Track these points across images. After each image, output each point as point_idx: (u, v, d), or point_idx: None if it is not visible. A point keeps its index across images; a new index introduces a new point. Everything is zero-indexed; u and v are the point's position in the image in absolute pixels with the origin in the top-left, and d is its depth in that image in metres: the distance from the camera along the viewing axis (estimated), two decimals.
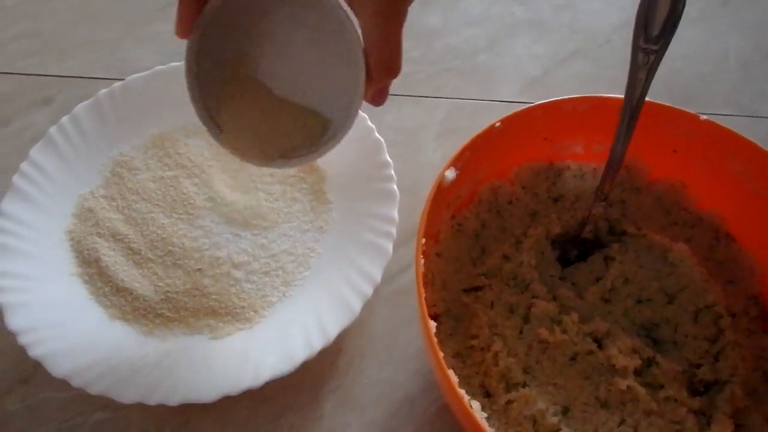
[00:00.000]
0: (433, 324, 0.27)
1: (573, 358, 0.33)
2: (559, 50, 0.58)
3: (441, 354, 0.25)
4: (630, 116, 0.33)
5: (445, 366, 0.25)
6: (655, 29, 0.31)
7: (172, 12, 0.67)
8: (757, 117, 0.53)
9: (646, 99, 0.35)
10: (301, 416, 0.37)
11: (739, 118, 0.53)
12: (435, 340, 0.26)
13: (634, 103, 0.33)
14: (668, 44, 0.31)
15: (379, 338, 0.40)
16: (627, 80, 0.32)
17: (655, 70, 0.32)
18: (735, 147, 0.34)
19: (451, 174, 0.32)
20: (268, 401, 0.37)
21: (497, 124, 0.34)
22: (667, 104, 0.35)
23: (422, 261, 0.28)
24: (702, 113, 0.35)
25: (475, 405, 0.26)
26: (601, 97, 0.36)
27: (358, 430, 0.36)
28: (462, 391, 0.25)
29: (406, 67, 0.55)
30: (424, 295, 0.27)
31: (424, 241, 0.29)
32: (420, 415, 0.37)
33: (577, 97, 0.36)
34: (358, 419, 0.37)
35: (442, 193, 0.32)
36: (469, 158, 0.34)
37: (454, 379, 0.25)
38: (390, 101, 0.53)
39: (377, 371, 0.38)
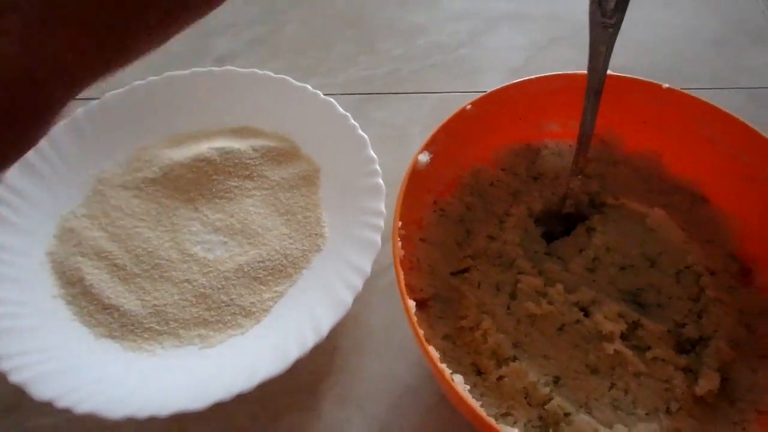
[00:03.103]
0: (412, 303, 0.30)
1: (561, 329, 0.36)
2: (540, 39, 0.62)
3: (421, 331, 0.28)
4: (595, 90, 0.36)
5: (425, 341, 0.28)
6: (610, 3, 0.35)
7: None
8: (735, 88, 0.57)
9: (614, 73, 0.38)
10: (301, 416, 0.39)
11: (719, 90, 0.57)
12: (415, 318, 0.29)
13: (597, 77, 0.36)
14: (623, 16, 0.35)
15: (375, 332, 0.43)
16: (588, 55, 0.36)
17: (614, 42, 0.35)
18: (699, 112, 0.38)
19: (424, 157, 0.35)
20: (266, 404, 0.40)
21: (468, 107, 0.37)
22: (630, 76, 0.39)
23: (399, 244, 0.32)
24: (684, 89, 0.39)
25: (458, 378, 0.29)
26: (570, 74, 0.40)
27: (358, 425, 0.39)
28: (443, 366, 0.27)
29: (390, 64, 0.60)
30: (402, 275, 0.30)
31: (400, 224, 0.32)
32: (421, 406, 0.39)
33: (546, 76, 0.40)
34: (358, 414, 0.39)
35: (418, 177, 0.35)
36: (444, 142, 0.37)
37: (435, 354, 0.28)
38: (377, 99, 0.58)
39: (375, 365, 0.41)
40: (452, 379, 0.28)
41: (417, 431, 0.38)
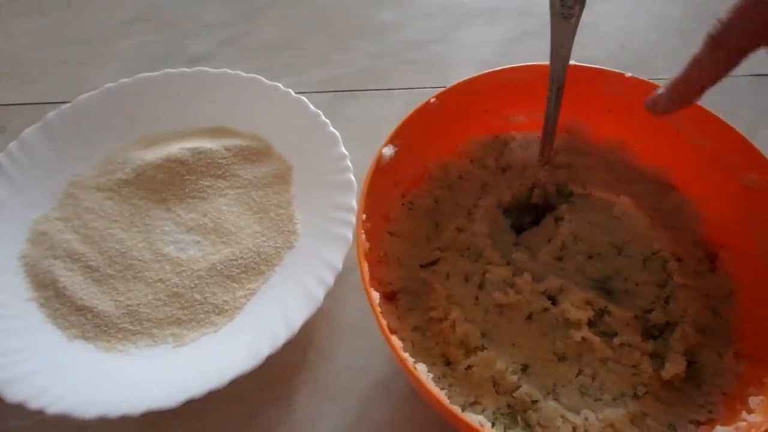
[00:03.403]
0: (376, 294, 0.30)
1: (529, 317, 0.36)
2: (512, 33, 0.63)
3: (384, 322, 0.28)
4: (558, 81, 0.37)
5: (387, 331, 0.28)
6: None
7: (132, 29, 0.71)
8: None
9: (577, 63, 0.38)
10: (275, 412, 0.39)
11: None
12: (379, 309, 0.29)
13: (560, 68, 0.36)
14: (584, 6, 0.35)
15: (348, 327, 0.43)
16: (550, 46, 0.36)
17: (575, 32, 0.36)
18: None
19: (388, 151, 0.35)
20: (241, 401, 0.40)
21: (432, 100, 0.37)
22: (593, 66, 0.39)
23: (363, 236, 0.32)
24: (650, 79, 0.39)
25: (421, 367, 0.29)
26: (534, 65, 0.40)
27: (331, 419, 0.39)
28: (406, 355, 0.27)
29: (363, 61, 0.60)
30: (367, 267, 0.30)
31: (365, 217, 0.32)
32: (393, 398, 0.39)
33: (509, 68, 0.40)
34: (331, 408, 0.39)
35: (383, 170, 0.35)
36: (409, 136, 0.37)
37: (398, 344, 0.28)
38: (349, 96, 0.58)
39: (348, 359, 0.41)
40: (415, 368, 0.28)
41: (389, 422, 0.38)
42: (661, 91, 0.33)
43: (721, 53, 0.30)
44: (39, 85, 0.59)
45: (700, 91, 0.31)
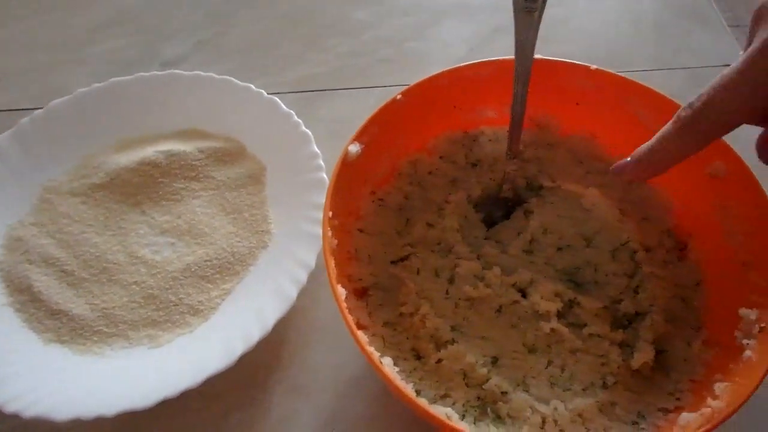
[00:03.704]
0: (342, 290, 0.29)
1: (499, 310, 0.36)
2: (485, 29, 0.63)
3: (350, 317, 0.28)
4: (523, 74, 0.37)
5: (353, 325, 0.28)
6: None
7: (104, 34, 0.70)
8: (676, 69, 0.57)
9: (544, 57, 0.39)
10: (250, 411, 0.39)
11: (660, 71, 0.57)
12: (345, 304, 0.29)
13: (524, 62, 0.36)
14: (546, 0, 0.35)
15: (322, 325, 0.43)
16: (514, 42, 0.36)
17: (539, 26, 0.36)
18: (626, 90, 0.38)
19: (354, 148, 0.35)
20: (215, 401, 0.40)
21: (398, 97, 0.37)
22: (559, 59, 0.39)
23: (330, 233, 0.32)
24: (623, 71, 0.39)
25: (386, 361, 0.29)
26: (500, 59, 0.40)
27: (307, 416, 0.39)
28: (372, 349, 0.27)
29: (337, 61, 0.60)
30: (333, 263, 0.30)
31: (331, 214, 0.32)
32: (367, 394, 0.39)
33: (475, 63, 0.40)
34: (306, 405, 0.39)
35: (350, 167, 0.35)
36: (376, 133, 0.37)
37: (364, 338, 0.28)
38: (323, 95, 0.57)
39: (322, 356, 0.41)
40: (381, 362, 0.28)
41: (363, 419, 0.38)
42: (628, 159, 0.32)
43: (690, 138, 0.29)
44: (11, 92, 0.58)
45: (666, 167, 0.31)
